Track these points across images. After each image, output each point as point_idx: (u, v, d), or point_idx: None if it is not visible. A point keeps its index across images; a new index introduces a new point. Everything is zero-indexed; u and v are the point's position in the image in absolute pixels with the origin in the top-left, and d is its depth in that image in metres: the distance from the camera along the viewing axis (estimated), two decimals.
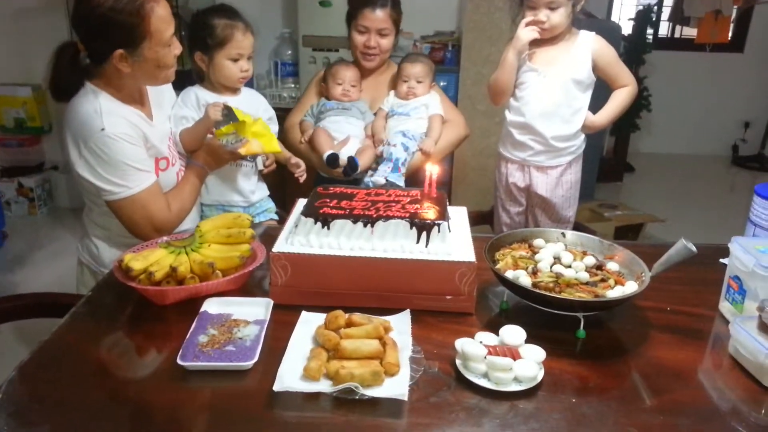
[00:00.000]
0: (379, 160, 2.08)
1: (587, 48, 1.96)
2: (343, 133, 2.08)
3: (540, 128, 2.01)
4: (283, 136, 2.16)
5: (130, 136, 1.54)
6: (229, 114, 1.68)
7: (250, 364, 1.10)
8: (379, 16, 2.09)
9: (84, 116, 1.51)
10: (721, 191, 5.17)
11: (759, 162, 5.55)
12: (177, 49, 1.57)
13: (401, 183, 2.03)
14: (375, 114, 2.20)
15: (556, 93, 1.98)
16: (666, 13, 5.52)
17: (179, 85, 1.92)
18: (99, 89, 1.54)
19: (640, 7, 5.22)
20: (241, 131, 1.69)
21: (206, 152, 1.76)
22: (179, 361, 1.09)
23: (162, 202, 1.61)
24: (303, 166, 1.98)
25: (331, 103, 2.14)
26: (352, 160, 1.99)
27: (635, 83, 2.03)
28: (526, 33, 1.95)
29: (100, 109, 1.51)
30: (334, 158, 1.99)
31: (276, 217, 2.04)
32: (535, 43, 1.99)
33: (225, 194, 1.92)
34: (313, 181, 2.11)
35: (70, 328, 1.26)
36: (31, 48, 3.69)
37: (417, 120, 2.13)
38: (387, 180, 2.00)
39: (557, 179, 2.08)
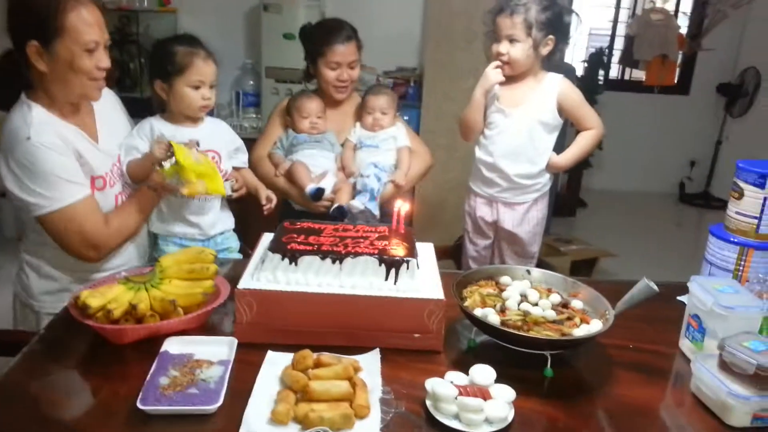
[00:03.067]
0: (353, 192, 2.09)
1: (553, 90, 2.02)
2: (319, 167, 2.08)
3: (505, 168, 2.06)
4: (252, 169, 2.12)
5: (59, 146, 1.48)
6: (172, 154, 1.63)
7: (214, 407, 1.06)
8: (349, 50, 2.13)
9: (13, 127, 1.47)
10: (670, 227, 5.35)
11: (705, 199, 5.77)
12: (103, 62, 1.52)
13: (377, 212, 2.03)
14: (342, 145, 2.21)
15: (522, 134, 2.03)
16: (617, 56, 5.76)
17: (140, 113, 1.88)
18: (33, 102, 1.50)
19: (593, 50, 5.42)
20: (181, 174, 1.63)
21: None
22: (139, 405, 1.04)
23: (97, 217, 1.54)
24: (275, 200, 1.93)
25: (302, 136, 2.13)
26: (341, 209, 2.00)
27: (601, 126, 2.09)
28: (493, 74, 2.00)
29: (30, 120, 1.46)
30: (321, 192, 1.99)
31: (239, 256, 1.91)
32: (503, 82, 2.04)
33: (178, 225, 1.80)
34: (279, 213, 2.08)
35: (21, 368, 1.20)
36: None
37: (386, 152, 2.16)
38: (366, 207, 2.00)
39: (523, 215, 2.12)
